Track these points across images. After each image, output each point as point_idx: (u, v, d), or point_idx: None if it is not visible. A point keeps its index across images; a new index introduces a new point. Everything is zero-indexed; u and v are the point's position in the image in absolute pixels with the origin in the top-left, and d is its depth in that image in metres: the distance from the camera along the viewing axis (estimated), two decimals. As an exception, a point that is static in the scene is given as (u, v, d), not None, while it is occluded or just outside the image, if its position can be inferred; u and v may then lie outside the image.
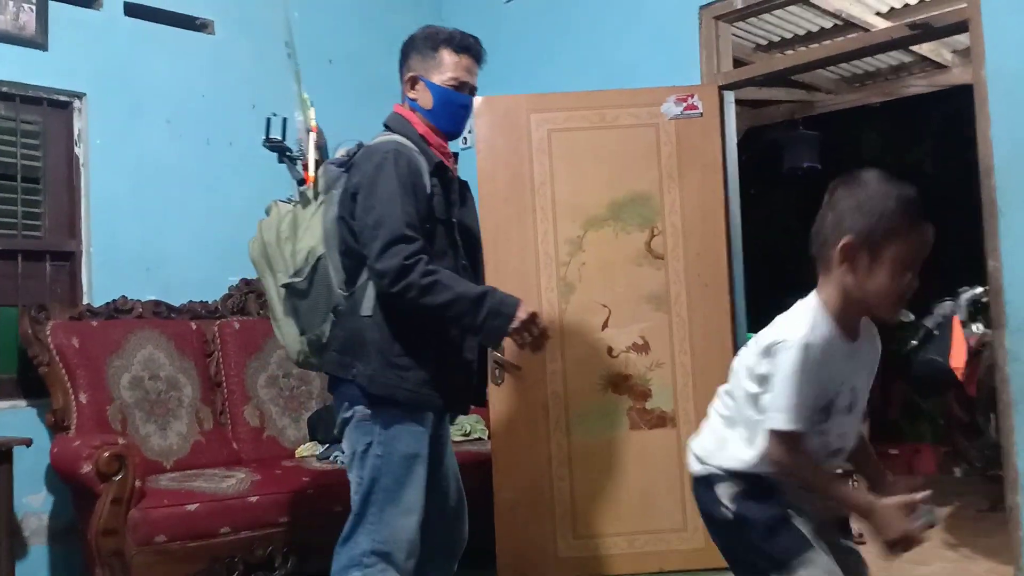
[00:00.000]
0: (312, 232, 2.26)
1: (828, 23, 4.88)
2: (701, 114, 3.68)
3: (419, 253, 2.11)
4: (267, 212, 2.41)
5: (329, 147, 2.49)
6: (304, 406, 3.95)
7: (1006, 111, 3.13)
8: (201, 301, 3.97)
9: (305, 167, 2.34)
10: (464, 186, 2.47)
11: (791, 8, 4.49)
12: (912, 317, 5.20)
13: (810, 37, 5.09)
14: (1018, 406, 3.09)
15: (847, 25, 4.81)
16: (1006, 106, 3.13)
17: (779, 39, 5.15)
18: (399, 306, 2.14)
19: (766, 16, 4.57)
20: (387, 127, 2.39)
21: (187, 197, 4.06)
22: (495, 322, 2.12)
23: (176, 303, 3.89)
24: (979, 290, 4.73)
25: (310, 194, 2.35)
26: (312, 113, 2.39)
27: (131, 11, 3.96)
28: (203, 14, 4.18)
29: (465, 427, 4.11)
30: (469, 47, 2.38)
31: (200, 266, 4.05)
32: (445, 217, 2.30)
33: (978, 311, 4.75)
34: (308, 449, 3.79)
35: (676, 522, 3.56)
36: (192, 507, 3.03)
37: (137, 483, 2.97)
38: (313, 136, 2.36)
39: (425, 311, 2.12)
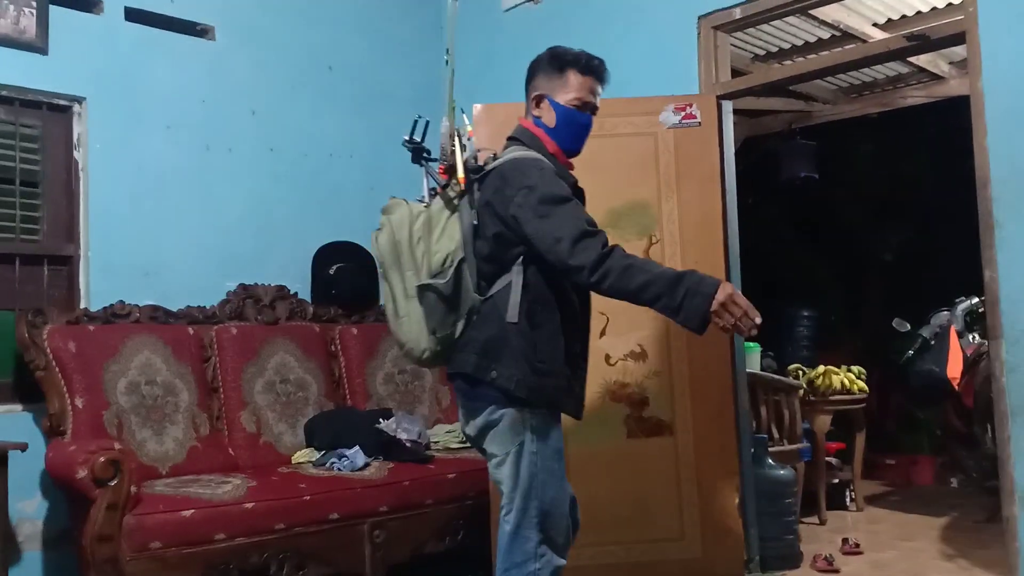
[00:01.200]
0: (450, 236, 2.32)
1: (826, 34, 4.91)
2: (699, 123, 3.69)
3: (608, 242, 2.18)
4: (388, 210, 2.41)
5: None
6: (301, 412, 3.95)
7: (1003, 122, 3.14)
8: (199, 306, 3.97)
9: (445, 172, 2.37)
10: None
11: (789, 19, 4.51)
12: (908, 327, 5.21)
13: (808, 48, 5.11)
14: (1015, 417, 3.09)
15: (845, 36, 4.83)
16: (1003, 117, 3.14)
17: (777, 49, 5.17)
18: (597, 292, 2.21)
19: (764, 26, 4.59)
20: (517, 140, 2.43)
21: (186, 203, 4.06)
22: (693, 302, 2.11)
23: (174, 308, 3.88)
24: (975, 300, 4.75)
25: (448, 194, 2.39)
26: (465, 118, 2.43)
27: (132, 16, 3.96)
28: (204, 20, 4.19)
29: (462, 434, 4.10)
30: (594, 69, 2.43)
31: (198, 272, 4.05)
32: None
33: (975, 321, 4.77)
34: (304, 455, 3.78)
35: (673, 531, 3.56)
36: (187, 513, 3.02)
37: (132, 489, 2.96)
38: (470, 142, 2.39)
39: (624, 295, 2.17)
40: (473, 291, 2.30)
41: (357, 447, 3.64)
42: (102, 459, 2.92)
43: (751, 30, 4.61)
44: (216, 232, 4.13)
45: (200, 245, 4.07)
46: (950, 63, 5.25)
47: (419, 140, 2.44)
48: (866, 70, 5.35)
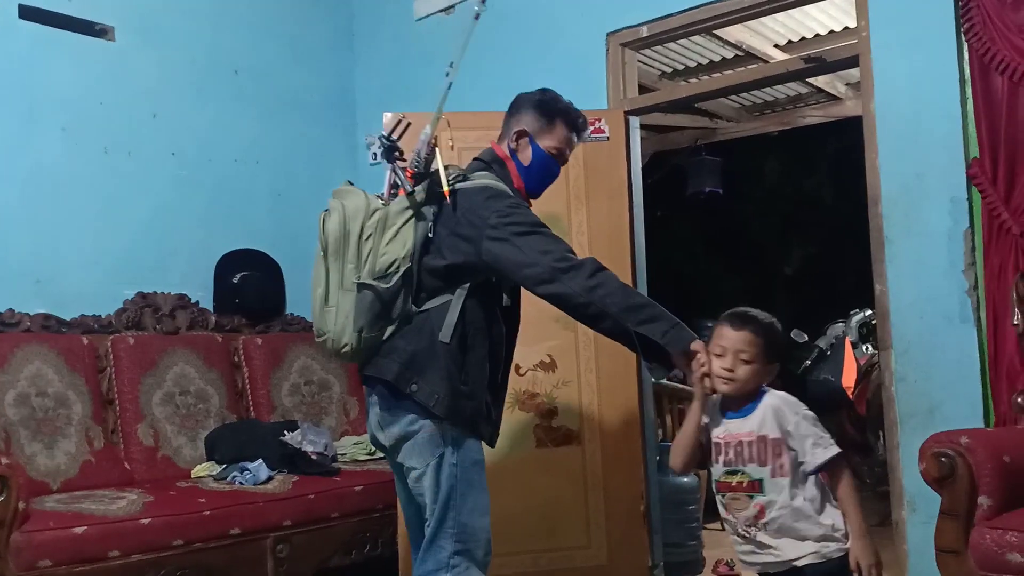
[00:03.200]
0: (402, 241, 2.29)
1: (729, 54, 5.06)
2: (608, 138, 3.75)
3: (596, 262, 2.26)
4: (342, 195, 2.35)
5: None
6: (201, 424, 3.84)
7: (893, 143, 3.29)
8: (94, 315, 3.83)
9: (413, 177, 2.35)
10: None
11: (695, 38, 4.64)
12: (806, 338, 5.40)
13: (712, 67, 5.26)
14: (904, 424, 3.23)
15: (747, 56, 4.99)
16: (893, 138, 3.29)
17: (683, 67, 5.31)
18: (577, 300, 2.26)
19: (671, 45, 4.71)
20: (487, 165, 2.46)
21: (82, 207, 3.91)
22: (681, 333, 2.19)
23: (67, 317, 3.74)
24: (869, 313, 4.94)
25: (401, 202, 2.36)
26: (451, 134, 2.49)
27: (26, 14, 3.81)
28: (103, 20, 4.05)
29: (370, 446, 4.05)
30: (579, 127, 2.53)
31: (94, 279, 3.90)
32: None
33: (868, 333, 4.96)
34: (205, 469, 3.67)
35: (580, 539, 3.59)
36: (80, 530, 2.90)
37: (21, 505, 2.82)
38: (438, 152, 2.38)
39: (612, 307, 2.22)
40: (407, 300, 2.29)
41: (260, 460, 3.56)
42: (-13, 475, 2.79)
43: (658, 48, 4.72)
44: (114, 238, 3.99)
45: (96, 251, 3.93)
46: (846, 84, 5.47)
47: (396, 139, 2.42)
48: (768, 89, 5.54)
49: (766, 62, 4.87)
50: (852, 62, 3.50)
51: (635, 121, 3.99)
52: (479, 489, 2.35)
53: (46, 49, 3.87)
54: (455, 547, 2.30)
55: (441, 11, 4.61)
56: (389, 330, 2.30)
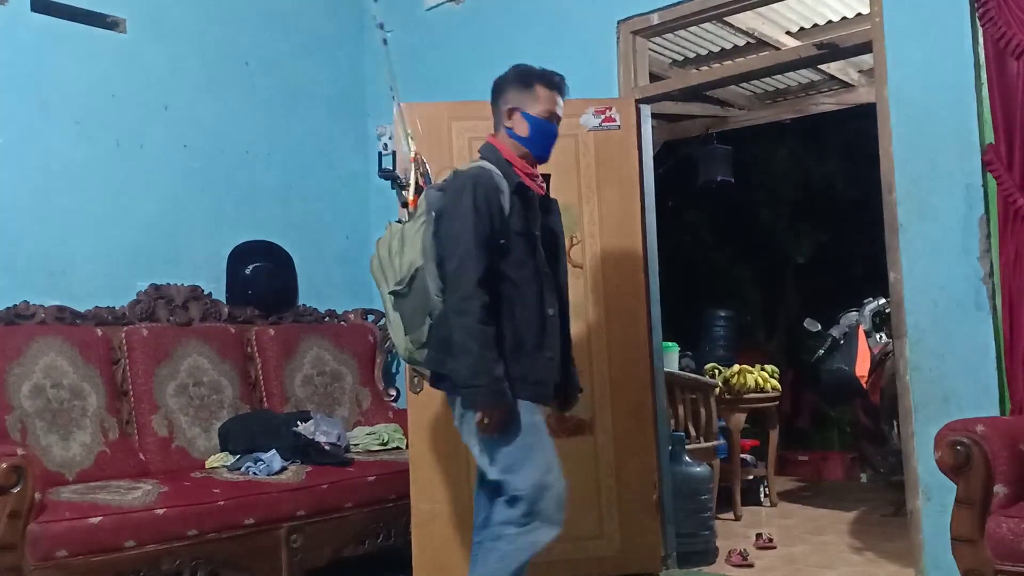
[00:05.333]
0: (414, 247, 2.57)
1: (741, 41, 5.02)
2: (619, 127, 3.73)
3: (477, 289, 2.48)
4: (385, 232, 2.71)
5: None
6: (215, 415, 3.86)
7: (906, 130, 3.26)
8: (107, 307, 3.84)
9: (404, 189, 2.70)
10: (549, 201, 2.80)
11: (706, 25, 4.61)
12: (819, 327, 5.37)
13: (724, 54, 5.22)
14: (918, 413, 3.21)
15: (759, 43, 4.95)
16: (906, 124, 3.26)
17: (694, 55, 5.27)
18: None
19: (682, 32, 4.68)
20: (482, 155, 2.71)
21: (95, 200, 3.93)
22: (472, 382, 2.48)
23: (81, 309, 3.75)
24: (882, 301, 4.91)
25: (413, 214, 2.68)
26: (413, 146, 2.75)
27: (38, 7, 3.82)
28: (114, 12, 4.06)
29: (383, 437, 4.07)
30: (557, 84, 2.74)
31: (107, 271, 3.92)
32: (525, 230, 2.62)
33: (882, 322, 4.93)
34: (219, 460, 3.69)
35: (592, 529, 3.59)
36: (95, 520, 2.92)
37: (37, 496, 2.84)
38: (414, 165, 2.71)
39: (454, 327, 2.48)
40: (435, 295, 2.54)
41: (273, 451, 3.58)
42: (4, 465, 2.79)
43: (669, 36, 4.69)
44: (126, 230, 4.00)
45: (109, 244, 3.95)
46: (859, 71, 5.43)
47: (391, 169, 2.80)
48: (779, 77, 5.50)
49: (778, 49, 4.84)
50: (865, 48, 3.47)
51: (646, 110, 3.97)
52: (537, 450, 2.55)
53: (58, 42, 3.87)
54: (526, 507, 2.50)
55: (450, 1, 4.59)
56: (426, 327, 2.57)
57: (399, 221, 2.71)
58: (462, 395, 2.53)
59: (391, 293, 2.60)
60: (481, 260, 2.49)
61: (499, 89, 2.74)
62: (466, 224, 2.50)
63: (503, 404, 2.49)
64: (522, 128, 2.67)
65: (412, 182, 2.66)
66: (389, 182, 2.80)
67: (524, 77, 2.70)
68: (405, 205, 2.71)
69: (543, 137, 2.70)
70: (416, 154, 2.73)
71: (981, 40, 3.06)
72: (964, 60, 3.13)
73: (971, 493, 2.53)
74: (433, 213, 2.60)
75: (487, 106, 3.73)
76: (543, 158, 2.75)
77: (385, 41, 2.81)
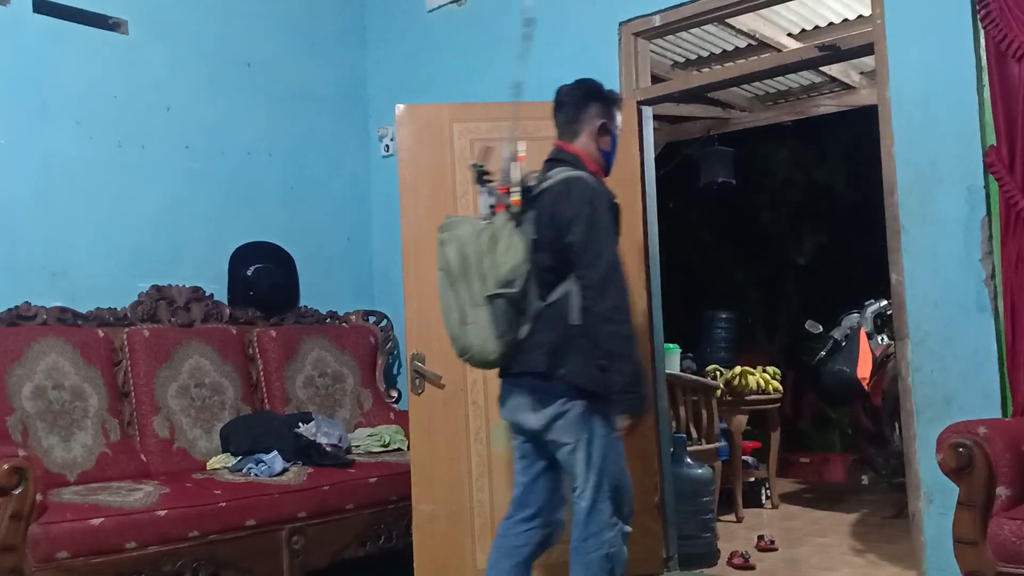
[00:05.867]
0: (515, 249, 2.56)
1: (742, 43, 5.02)
2: (620, 128, 3.72)
3: (627, 299, 2.58)
4: (450, 227, 2.63)
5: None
6: (217, 417, 3.86)
7: (908, 131, 3.26)
8: (109, 308, 3.84)
9: (506, 192, 2.63)
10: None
11: (707, 27, 4.61)
12: (820, 329, 5.37)
13: (725, 56, 5.22)
14: (920, 415, 3.21)
15: (760, 45, 4.95)
16: (908, 126, 3.26)
17: (696, 57, 5.27)
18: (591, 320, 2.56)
19: (683, 34, 4.68)
20: (563, 163, 2.71)
21: (96, 201, 3.93)
22: (634, 387, 2.54)
23: (83, 310, 3.75)
24: (884, 303, 4.91)
25: (518, 215, 2.63)
26: (523, 146, 2.67)
27: (40, 8, 3.82)
28: (116, 13, 4.06)
29: (384, 438, 4.07)
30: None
31: (109, 272, 3.92)
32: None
33: (883, 324, 4.93)
34: (220, 461, 3.69)
35: (593, 531, 3.58)
36: (97, 522, 2.92)
37: (38, 497, 2.84)
38: (519, 165, 2.65)
39: (607, 335, 2.53)
40: (536, 298, 2.58)
41: (275, 452, 3.58)
42: (5, 467, 2.79)
43: (671, 37, 4.69)
44: (128, 231, 4.01)
45: (111, 245, 3.95)
46: (861, 73, 5.43)
47: (481, 164, 2.72)
48: (781, 79, 5.50)
49: (779, 51, 4.84)
50: (867, 50, 3.47)
51: (648, 111, 3.97)
52: (621, 455, 2.66)
53: (60, 43, 3.88)
54: (612, 508, 2.59)
55: (452, 2, 4.60)
56: (525, 329, 2.59)
57: (483, 218, 2.66)
58: (620, 402, 2.55)
59: (495, 296, 2.54)
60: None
61: (584, 102, 2.78)
62: (610, 238, 2.59)
63: (649, 411, 2.66)
64: (606, 144, 2.79)
65: (516, 181, 2.60)
66: (476, 175, 2.70)
67: (611, 97, 2.84)
68: (504, 206, 2.64)
69: (615, 153, 2.86)
70: (523, 155, 2.68)
71: (983, 42, 3.06)
72: (965, 62, 3.13)
73: (973, 495, 2.53)
74: (528, 215, 2.61)
75: (489, 107, 3.76)
76: (608, 172, 2.85)
77: (526, 36, 2.87)
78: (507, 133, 2.65)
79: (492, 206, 2.65)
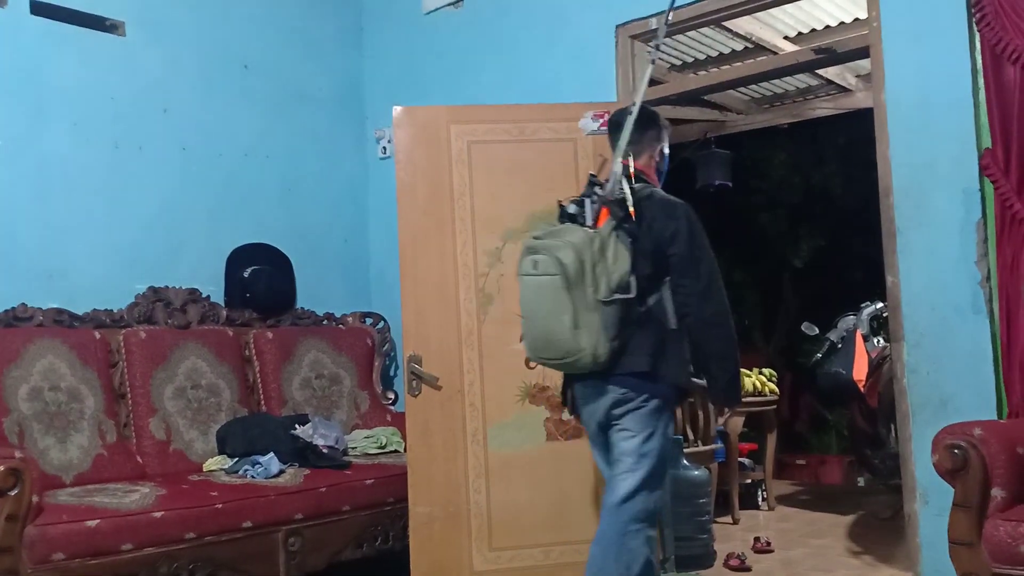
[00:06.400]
0: (624, 257, 2.70)
1: (739, 46, 5.03)
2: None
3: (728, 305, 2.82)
4: (561, 234, 2.74)
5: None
6: (213, 419, 3.85)
7: (904, 134, 3.27)
8: (106, 310, 3.84)
9: (607, 205, 2.77)
10: None
11: (704, 30, 4.61)
12: (817, 331, 5.38)
13: (722, 59, 5.23)
14: (916, 417, 3.22)
15: (757, 48, 4.96)
16: (904, 129, 3.27)
17: (692, 60, 5.28)
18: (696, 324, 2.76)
19: (680, 37, 4.68)
20: (646, 181, 2.88)
21: (93, 202, 3.93)
22: (735, 383, 2.89)
23: (79, 311, 3.75)
24: (880, 305, 4.92)
25: (630, 226, 2.77)
26: (631, 161, 2.84)
27: (37, 10, 3.82)
28: (113, 15, 4.06)
29: (381, 440, 4.07)
30: None
31: (105, 273, 3.92)
32: None
33: (880, 326, 4.94)
34: (217, 463, 3.69)
35: (591, 532, 3.54)
36: (93, 523, 2.91)
37: (34, 499, 2.84)
38: (625, 178, 2.79)
39: (712, 337, 2.76)
40: (636, 304, 2.72)
41: (271, 454, 3.57)
42: (2, 468, 2.78)
43: (668, 40, 4.67)
44: (125, 233, 4.00)
45: (108, 246, 3.95)
46: (857, 76, 5.44)
47: (595, 175, 2.91)
48: (777, 81, 5.51)
49: (775, 54, 4.85)
50: (863, 53, 3.48)
51: (645, 114, 3.97)
52: (668, 465, 2.96)
53: (57, 44, 3.88)
54: (647, 506, 2.76)
55: (450, 4, 4.60)
56: (628, 332, 2.71)
57: (589, 226, 2.78)
58: (724, 396, 2.90)
59: (610, 301, 2.67)
60: None
61: (648, 126, 2.94)
62: (708, 250, 2.80)
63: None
64: (662, 165, 3.01)
65: (628, 192, 2.74)
66: (588, 185, 2.85)
67: (665, 123, 3.05)
68: (609, 215, 2.77)
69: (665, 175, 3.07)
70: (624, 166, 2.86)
71: (978, 45, 3.08)
72: (961, 65, 3.15)
73: (968, 496, 2.54)
74: (629, 226, 2.74)
75: (487, 109, 3.77)
76: None
77: (653, 62, 3.03)
78: (617, 150, 2.81)
79: (596, 215, 2.80)
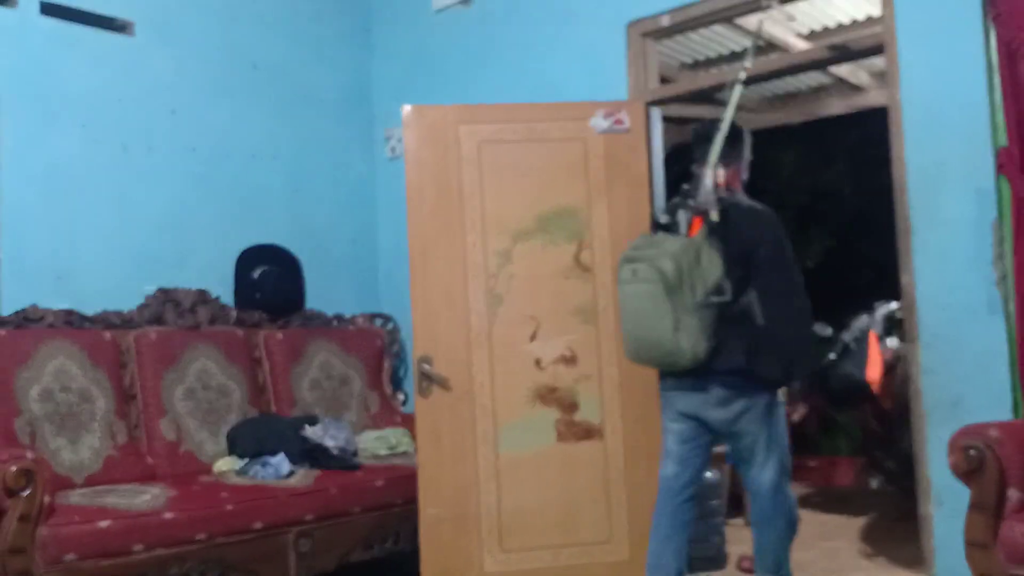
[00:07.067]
0: (717, 263, 2.90)
1: (750, 44, 5.00)
2: (628, 129, 3.72)
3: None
4: (658, 243, 2.94)
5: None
6: (223, 419, 3.85)
7: (919, 132, 3.25)
8: (116, 311, 3.84)
9: (700, 214, 2.98)
10: None
11: (715, 28, 4.59)
12: (830, 332, 5.34)
13: (733, 57, 5.20)
14: (930, 417, 3.19)
15: (769, 46, 4.93)
16: (919, 127, 3.25)
17: (704, 58, 5.26)
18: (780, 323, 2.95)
19: (691, 35, 4.67)
20: (731, 190, 3.08)
21: (102, 204, 3.93)
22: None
23: (89, 313, 3.75)
24: (894, 305, 4.88)
25: (701, 233, 2.98)
26: (721, 172, 3.04)
27: (47, 10, 3.83)
28: (123, 15, 4.06)
29: (391, 441, 4.06)
30: None
31: (115, 275, 3.92)
32: None
33: (893, 326, 4.90)
34: (227, 464, 3.68)
35: (601, 534, 3.57)
36: (104, 524, 2.92)
37: (46, 499, 2.84)
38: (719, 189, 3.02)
39: (795, 336, 2.96)
40: (730, 305, 2.91)
41: (282, 455, 3.57)
42: (14, 468, 2.79)
43: (679, 38, 4.68)
44: (134, 234, 4.01)
45: (117, 247, 3.95)
46: (870, 74, 5.41)
47: (688, 186, 3.06)
48: (789, 80, 5.48)
49: (787, 52, 4.82)
50: (876, 51, 3.46)
51: (656, 112, 3.96)
52: (785, 434, 3.11)
53: (66, 45, 3.88)
54: (787, 480, 3.04)
55: (460, 3, 4.59)
56: (724, 331, 2.89)
57: (682, 234, 3.00)
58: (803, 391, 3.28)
59: (707, 304, 2.87)
60: None
61: (735, 140, 3.11)
62: (792, 255, 3.02)
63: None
64: (744, 174, 3.20)
65: (714, 203, 2.96)
66: (679, 197, 3.07)
67: (748, 137, 3.21)
68: (702, 222, 2.98)
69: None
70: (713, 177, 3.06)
71: (993, 42, 3.05)
72: (976, 63, 3.12)
73: (984, 497, 2.52)
74: (719, 232, 2.94)
75: (496, 108, 3.76)
76: None
77: (742, 82, 3.21)
78: (708, 163, 3.00)
79: (689, 222, 3.00)
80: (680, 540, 3.08)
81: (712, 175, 3.01)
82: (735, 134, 3.11)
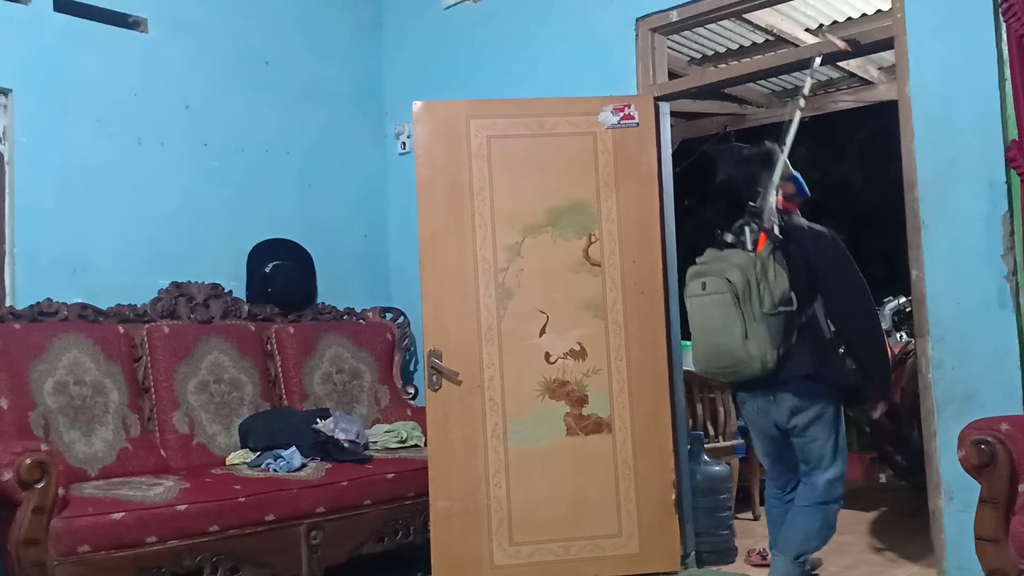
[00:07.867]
0: (782, 276, 3.11)
1: (760, 38, 5.00)
2: (637, 124, 3.73)
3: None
4: (726, 258, 3.17)
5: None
6: (236, 412, 3.88)
7: (928, 126, 3.24)
8: (129, 304, 3.87)
9: (766, 232, 3.19)
10: None
11: (724, 23, 4.59)
12: (840, 326, 5.32)
13: (742, 52, 5.20)
14: (940, 412, 3.19)
15: (778, 40, 4.92)
16: (929, 122, 3.24)
17: (713, 53, 5.25)
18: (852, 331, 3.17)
19: (700, 30, 4.66)
20: (785, 213, 3.30)
21: (116, 198, 3.96)
22: (887, 381, 3.34)
23: (103, 306, 3.78)
24: (903, 300, 4.87)
25: (767, 249, 3.18)
26: (782, 194, 3.28)
27: (61, 6, 3.85)
28: (136, 11, 4.09)
29: (402, 434, 4.08)
30: None
31: (129, 269, 3.95)
32: None
33: (902, 320, 4.90)
34: (239, 456, 3.71)
35: (611, 528, 3.59)
36: (117, 516, 2.95)
37: (60, 491, 2.87)
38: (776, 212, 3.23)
39: (868, 340, 3.17)
40: (796, 316, 3.11)
41: (293, 448, 3.59)
42: (28, 461, 2.82)
43: (688, 33, 4.67)
44: (148, 228, 4.03)
45: (131, 241, 3.98)
46: (879, 68, 5.39)
47: (754, 204, 3.25)
48: (798, 74, 5.46)
49: (796, 46, 4.81)
50: (887, 45, 3.45)
51: (665, 107, 3.96)
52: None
53: (80, 41, 3.91)
54: (841, 482, 3.23)
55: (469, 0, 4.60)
56: (791, 340, 3.10)
57: (749, 250, 3.18)
58: (880, 391, 3.26)
59: (775, 314, 3.06)
60: None
61: (774, 164, 3.29)
62: (854, 265, 3.22)
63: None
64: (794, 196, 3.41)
65: (776, 218, 3.19)
66: (748, 215, 3.26)
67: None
68: (767, 238, 3.17)
69: None
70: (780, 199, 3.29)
71: (1004, 36, 3.04)
72: (987, 56, 3.11)
73: (995, 492, 2.51)
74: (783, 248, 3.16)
75: (506, 104, 3.77)
76: None
77: (801, 108, 3.47)
78: (771, 185, 3.22)
79: (756, 239, 3.19)
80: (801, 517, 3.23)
81: (774, 197, 3.21)
82: (766, 158, 3.30)
